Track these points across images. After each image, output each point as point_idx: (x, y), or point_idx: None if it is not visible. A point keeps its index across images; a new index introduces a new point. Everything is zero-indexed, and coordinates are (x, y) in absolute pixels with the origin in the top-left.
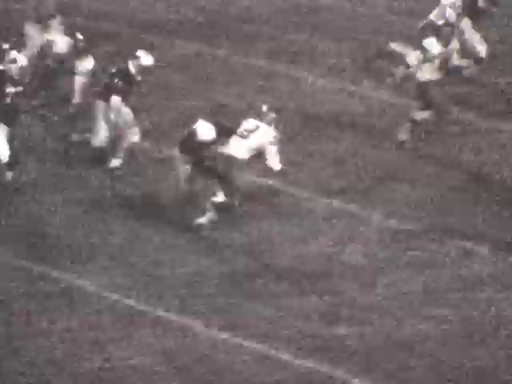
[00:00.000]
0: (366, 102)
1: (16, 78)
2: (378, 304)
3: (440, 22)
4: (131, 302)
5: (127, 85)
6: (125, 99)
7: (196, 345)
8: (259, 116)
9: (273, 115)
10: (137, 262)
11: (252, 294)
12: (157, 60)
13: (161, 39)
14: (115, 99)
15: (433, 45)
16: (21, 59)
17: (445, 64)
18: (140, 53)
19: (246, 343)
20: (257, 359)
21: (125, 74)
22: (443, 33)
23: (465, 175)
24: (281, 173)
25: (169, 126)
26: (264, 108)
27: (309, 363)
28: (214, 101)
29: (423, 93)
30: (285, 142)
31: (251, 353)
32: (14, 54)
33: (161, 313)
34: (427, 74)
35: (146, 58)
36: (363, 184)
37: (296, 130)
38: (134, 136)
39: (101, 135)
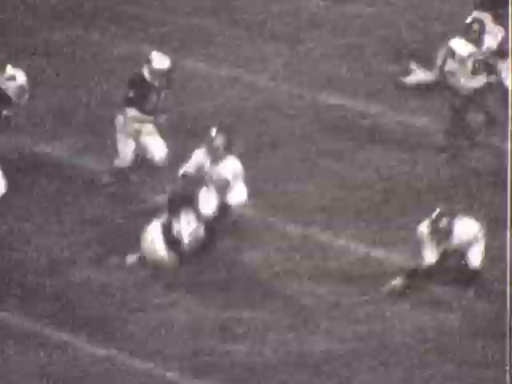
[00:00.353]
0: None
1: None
2: (277, 319)
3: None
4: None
5: (144, 94)
6: (143, 110)
7: (76, 362)
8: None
9: (221, 140)
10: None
11: (138, 305)
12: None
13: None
14: (130, 112)
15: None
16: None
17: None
18: (154, 55)
19: (129, 360)
20: (141, 378)
21: (138, 82)
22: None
23: None
24: None
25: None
26: (213, 132)
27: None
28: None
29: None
30: None
31: (135, 371)
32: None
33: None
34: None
35: (160, 61)
36: None
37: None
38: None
39: (124, 154)
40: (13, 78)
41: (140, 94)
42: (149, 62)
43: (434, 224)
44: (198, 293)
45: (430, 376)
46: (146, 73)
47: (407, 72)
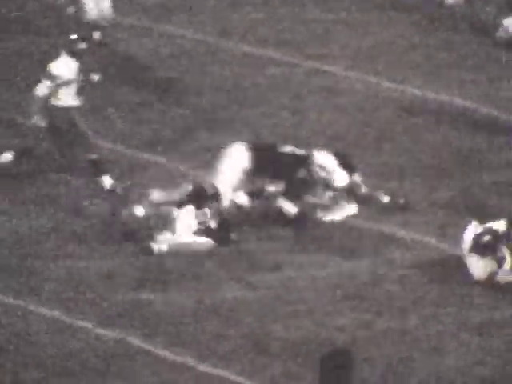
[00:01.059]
0: None
1: None
2: (188, 267)
3: None
4: None
5: None
6: None
7: None
8: None
9: None
10: None
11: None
12: None
13: None
14: None
15: None
16: None
17: None
18: None
19: (42, 310)
20: (53, 327)
21: None
22: None
23: None
24: None
25: None
26: None
27: (111, 332)
28: None
29: None
30: None
31: (47, 320)
32: None
33: None
34: None
35: None
36: None
37: None
38: None
39: None
40: None
41: None
42: None
43: None
44: (111, 243)
45: (342, 325)
46: None
47: None
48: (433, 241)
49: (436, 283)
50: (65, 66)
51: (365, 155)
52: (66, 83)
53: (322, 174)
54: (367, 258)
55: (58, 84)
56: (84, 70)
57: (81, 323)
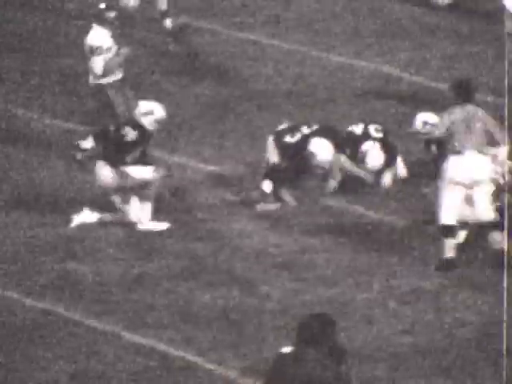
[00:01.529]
0: None
1: None
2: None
3: None
4: None
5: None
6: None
7: None
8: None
9: None
10: None
11: None
12: None
13: None
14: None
15: None
16: None
17: None
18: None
19: None
20: None
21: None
22: None
23: None
24: None
25: None
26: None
27: (39, 303)
28: None
29: None
30: None
31: None
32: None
33: None
34: None
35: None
36: None
37: None
38: None
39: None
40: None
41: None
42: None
43: None
44: (36, 210)
45: (269, 293)
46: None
47: None
48: (361, 209)
49: (364, 251)
50: (99, 36)
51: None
52: (107, 51)
53: None
54: (292, 227)
55: (99, 53)
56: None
57: (7, 293)
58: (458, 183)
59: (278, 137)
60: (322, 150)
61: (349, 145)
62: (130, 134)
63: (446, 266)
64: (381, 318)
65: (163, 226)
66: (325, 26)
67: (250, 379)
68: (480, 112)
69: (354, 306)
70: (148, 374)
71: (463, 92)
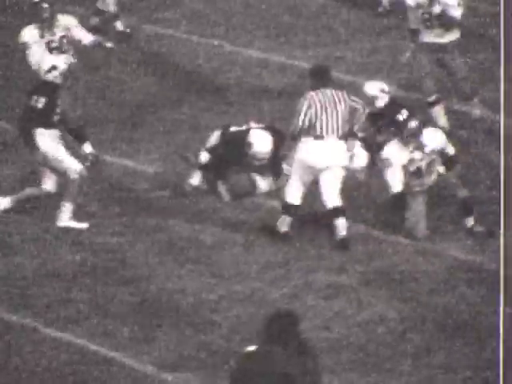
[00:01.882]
0: None
1: None
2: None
3: None
4: None
5: None
6: None
7: None
8: None
9: None
10: None
11: None
12: None
13: None
14: None
15: None
16: None
17: None
18: None
19: None
20: None
21: None
22: None
23: None
24: None
25: None
26: None
27: None
28: None
29: None
30: None
31: None
32: None
33: None
34: None
35: None
36: None
37: None
38: None
39: None
40: None
41: None
42: None
43: None
44: None
45: (185, 288)
46: None
47: None
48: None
49: (283, 246)
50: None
51: None
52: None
53: None
54: (211, 221)
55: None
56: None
57: None
58: (309, 167)
59: (225, 130)
60: (259, 140)
61: None
62: (40, 101)
63: (342, 245)
64: (300, 313)
65: (83, 225)
66: (242, 21)
67: (167, 374)
68: (341, 95)
69: (271, 302)
70: (66, 368)
71: (321, 77)
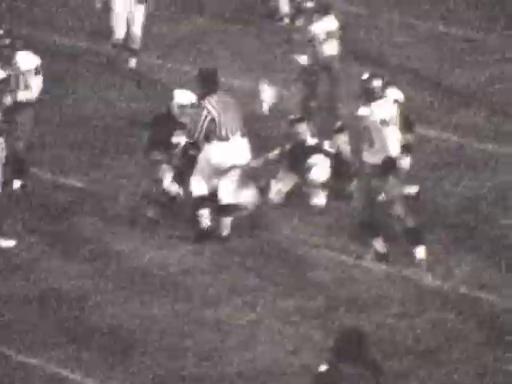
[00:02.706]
0: None
1: None
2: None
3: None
4: None
5: None
6: None
7: None
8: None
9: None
10: None
11: None
12: None
13: None
14: None
15: None
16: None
17: None
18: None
19: None
20: None
21: None
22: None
23: None
24: None
25: None
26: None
27: None
28: None
29: None
30: None
31: None
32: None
33: None
34: None
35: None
36: None
37: None
38: None
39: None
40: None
41: None
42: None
43: None
44: None
45: (154, 315)
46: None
47: None
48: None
49: (253, 271)
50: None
51: None
52: None
53: None
54: (179, 247)
55: None
56: None
57: None
58: (215, 168)
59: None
60: (182, 95)
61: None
62: None
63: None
64: (266, 339)
65: (10, 243)
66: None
67: None
68: (230, 96)
69: (239, 327)
70: None
71: (209, 81)
